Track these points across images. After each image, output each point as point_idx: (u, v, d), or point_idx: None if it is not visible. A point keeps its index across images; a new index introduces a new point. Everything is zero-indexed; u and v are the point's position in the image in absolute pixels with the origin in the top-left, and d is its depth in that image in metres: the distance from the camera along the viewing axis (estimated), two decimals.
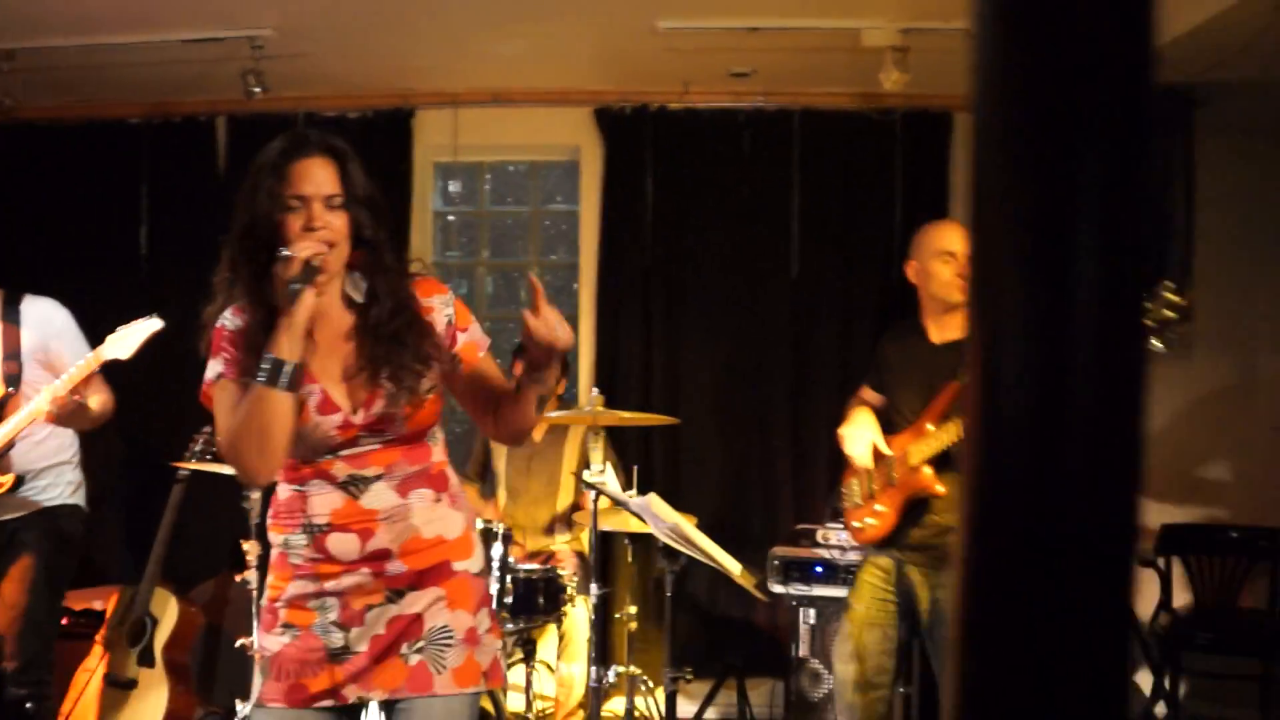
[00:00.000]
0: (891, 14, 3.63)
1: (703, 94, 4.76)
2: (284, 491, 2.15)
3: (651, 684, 3.99)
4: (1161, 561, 4.43)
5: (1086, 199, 0.65)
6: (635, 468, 4.14)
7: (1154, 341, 2.61)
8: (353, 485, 2.10)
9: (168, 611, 4.02)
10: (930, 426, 3.11)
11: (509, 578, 3.55)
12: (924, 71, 4.33)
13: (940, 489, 3.11)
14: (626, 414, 3.67)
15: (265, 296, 2.02)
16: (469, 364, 2.17)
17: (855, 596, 3.36)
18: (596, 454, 3.42)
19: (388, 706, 2.13)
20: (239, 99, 4.92)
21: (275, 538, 2.15)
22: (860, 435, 3.26)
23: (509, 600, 3.54)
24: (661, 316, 4.81)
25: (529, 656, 3.82)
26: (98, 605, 4.22)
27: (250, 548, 3.80)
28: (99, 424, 3.35)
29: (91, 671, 3.92)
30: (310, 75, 4.65)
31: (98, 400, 3.25)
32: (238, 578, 3.91)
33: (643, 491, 4.44)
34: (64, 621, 4.23)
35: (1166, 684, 4.22)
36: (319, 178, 2.03)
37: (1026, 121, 0.69)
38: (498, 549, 3.52)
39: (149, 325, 3.20)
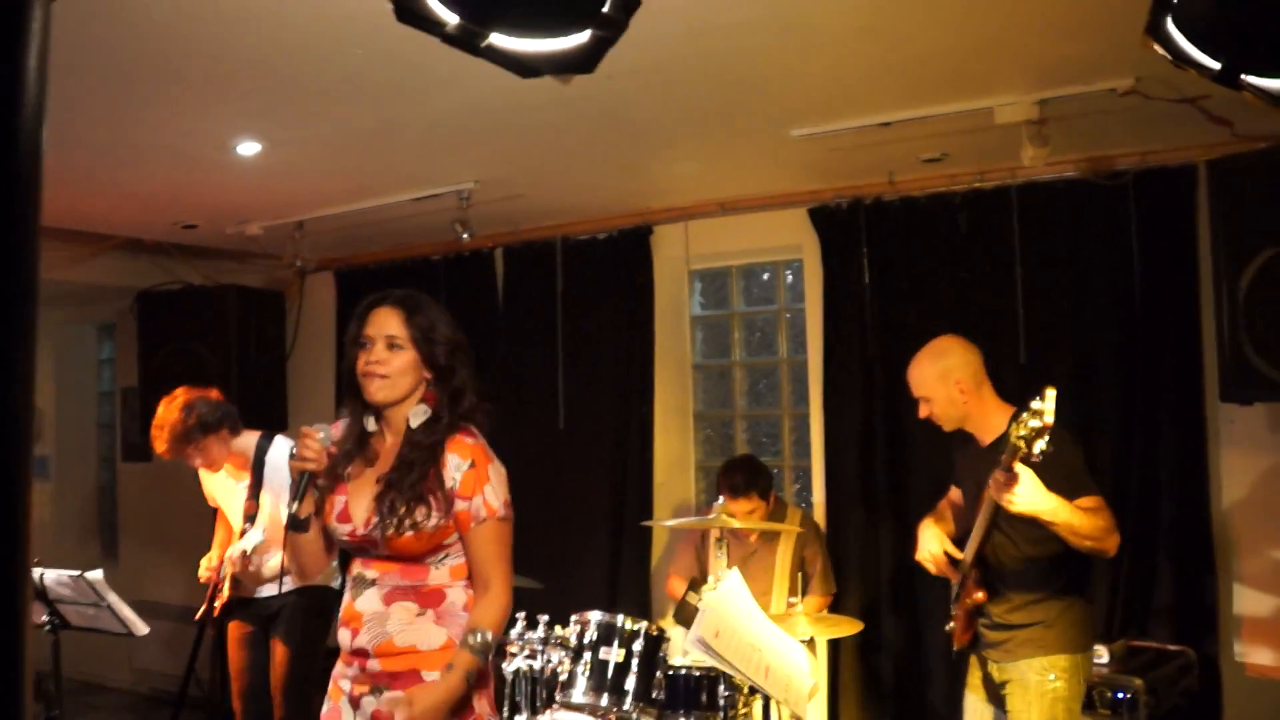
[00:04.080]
0: (1024, 86, 3.39)
1: (916, 181, 4.65)
2: None
3: None
4: None
5: None
6: (800, 574, 4.12)
7: (1032, 453, 2.71)
8: (358, 585, 2.50)
9: None
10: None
11: (658, 674, 3.68)
12: (1154, 128, 3.95)
13: (979, 596, 3.14)
14: (743, 522, 3.70)
15: (358, 409, 2.55)
16: (461, 530, 2.46)
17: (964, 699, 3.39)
18: (720, 562, 3.49)
19: None
20: (512, 231, 5.65)
21: None
22: (924, 542, 3.34)
23: (657, 695, 3.67)
24: (884, 411, 4.70)
25: None
26: None
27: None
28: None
29: None
30: (553, 208, 5.21)
31: (272, 566, 3.97)
32: (504, 665, 4.34)
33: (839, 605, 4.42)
34: None
35: None
36: (384, 322, 2.49)
37: None
38: (638, 646, 3.67)
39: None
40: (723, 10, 2.59)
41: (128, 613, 3.58)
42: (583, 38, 1.27)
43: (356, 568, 2.52)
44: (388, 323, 2.47)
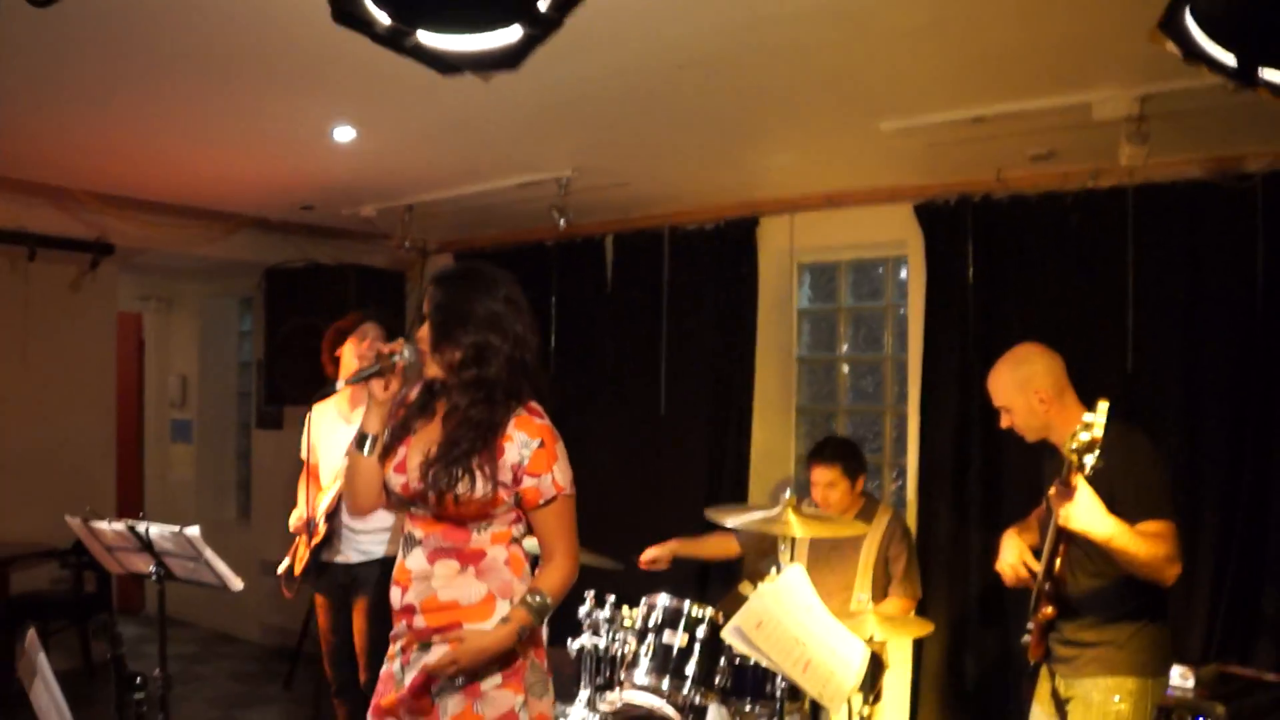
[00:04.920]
0: (1123, 80, 3.23)
1: (1026, 178, 4.49)
2: None
3: None
4: None
5: None
6: (884, 573, 4.02)
7: (1084, 466, 2.62)
8: (407, 544, 2.62)
9: None
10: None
11: (722, 660, 3.68)
12: None
13: (1049, 611, 3.05)
14: (821, 496, 3.66)
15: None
16: (528, 506, 2.56)
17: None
18: (785, 556, 3.46)
19: None
20: (622, 219, 5.72)
21: None
22: (1004, 552, 3.24)
23: (720, 682, 3.68)
24: (980, 414, 4.55)
25: None
26: None
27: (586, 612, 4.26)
28: None
29: None
30: (659, 197, 5.25)
31: None
32: (571, 642, 4.40)
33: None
34: None
35: None
36: (426, 299, 2.63)
37: None
38: (702, 631, 3.68)
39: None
40: (778, 1, 2.57)
41: (222, 568, 3.77)
42: (512, 35, 1.29)
43: (407, 525, 2.63)
44: (426, 300, 2.59)
